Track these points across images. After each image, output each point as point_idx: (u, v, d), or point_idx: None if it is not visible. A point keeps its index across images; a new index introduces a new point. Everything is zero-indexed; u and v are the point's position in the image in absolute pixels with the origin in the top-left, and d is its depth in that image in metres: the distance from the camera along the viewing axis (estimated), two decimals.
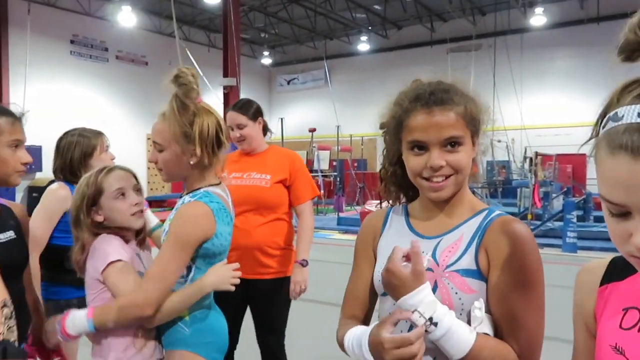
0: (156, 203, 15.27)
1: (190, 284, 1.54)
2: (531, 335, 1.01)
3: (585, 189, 13.52)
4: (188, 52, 10.72)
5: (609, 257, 0.88)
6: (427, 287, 0.97)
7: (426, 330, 0.95)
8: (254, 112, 2.67)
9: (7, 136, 1.52)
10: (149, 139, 18.68)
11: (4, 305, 1.20)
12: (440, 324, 0.95)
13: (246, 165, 2.66)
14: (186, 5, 17.38)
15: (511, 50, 16.90)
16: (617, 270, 0.84)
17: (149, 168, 18.57)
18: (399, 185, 1.25)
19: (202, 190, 1.56)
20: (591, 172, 16.98)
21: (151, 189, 18.40)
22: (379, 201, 1.32)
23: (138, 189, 1.66)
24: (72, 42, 16.15)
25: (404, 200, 1.26)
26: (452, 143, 1.05)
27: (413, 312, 0.96)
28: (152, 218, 1.86)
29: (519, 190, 11.65)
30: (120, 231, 1.60)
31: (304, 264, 2.57)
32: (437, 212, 1.15)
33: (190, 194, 1.57)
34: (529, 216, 9.37)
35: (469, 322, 1.01)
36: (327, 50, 21.64)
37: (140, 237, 1.70)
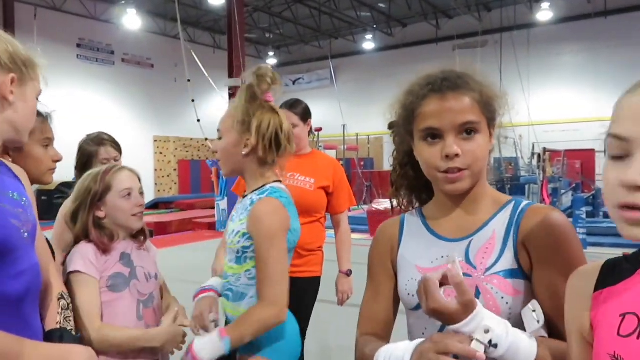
0: (164, 205, 15.34)
1: (143, 330, 1.56)
2: None
3: (595, 185, 13.43)
4: (193, 53, 10.75)
5: (601, 260, 0.84)
6: (480, 311, 0.86)
7: (485, 351, 0.86)
8: (304, 112, 2.66)
9: (39, 135, 1.56)
10: (155, 140, 18.78)
11: (61, 297, 1.25)
12: (501, 344, 0.86)
13: (290, 165, 2.68)
14: (191, 7, 17.42)
15: (518, 46, 16.79)
16: (612, 274, 0.80)
17: (155, 170, 18.68)
18: (411, 187, 1.18)
19: (267, 186, 1.55)
20: (600, 167, 16.87)
21: (158, 191, 18.49)
22: (387, 199, 1.24)
23: (141, 192, 1.67)
24: (78, 45, 16.26)
25: (417, 205, 1.19)
26: (468, 130, 0.98)
27: (471, 340, 0.86)
28: None
29: (527, 186, 11.57)
30: (113, 231, 1.60)
31: (348, 274, 2.69)
32: (457, 210, 1.06)
33: (257, 192, 1.55)
34: None
35: (521, 325, 0.93)
36: (332, 49, 21.62)
37: (141, 237, 1.70)
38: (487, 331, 0.85)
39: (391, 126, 1.19)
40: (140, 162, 15.70)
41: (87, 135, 2.43)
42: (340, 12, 18.20)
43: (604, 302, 0.78)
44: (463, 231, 1.05)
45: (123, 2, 16.55)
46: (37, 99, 1.17)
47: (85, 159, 2.32)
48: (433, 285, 0.87)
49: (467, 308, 0.85)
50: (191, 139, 19.34)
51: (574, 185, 11.58)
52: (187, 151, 19.74)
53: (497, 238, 1.00)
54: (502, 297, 0.95)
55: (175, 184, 19.41)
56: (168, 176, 19.19)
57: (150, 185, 17.81)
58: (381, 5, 18.50)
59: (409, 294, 1.03)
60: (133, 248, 1.65)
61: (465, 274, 0.94)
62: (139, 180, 1.69)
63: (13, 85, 1.07)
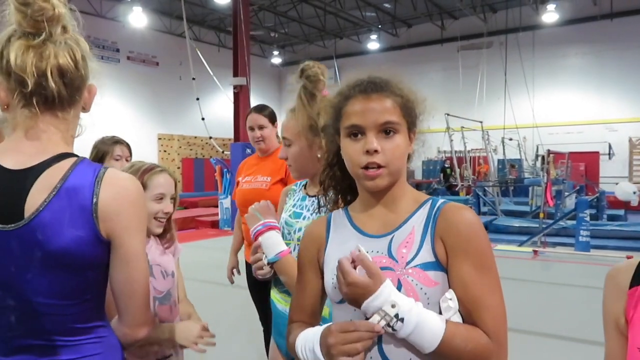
0: None
1: (166, 325, 1.56)
2: (497, 316, 1.01)
3: (599, 187, 13.39)
4: (198, 52, 10.77)
5: (637, 259, 0.88)
6: (388, 284, 0.98)
7: (394, 329, 0.95)
8: (271, 115, 2.86)
9: None
10: (160, 138, 18.82)
11: None
12: (408, 319, 0.95)
13: (257, 169, 2.82)
14: (196, 6, 17.46)
15: (523, 47, 16.76)
16: None
17: None
18: (338, 188, 1.25)
19: None
20: (604, 170, 16.83)
21: None
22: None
23: (173, 198, 1.68)
24: None
25: (342, 205, 1.26)
26: (387, 130, 1.07)
27: (378, 312, 0.97)
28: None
29: (530, 188, 11.54)
30: None
31: None
32: (380, 207, 1.14)
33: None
34: (541, 215, 9.29)
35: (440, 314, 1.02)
36: (337, 49, 21.63)
37: (166, 236, 1.72)
38: (393, 305, 0.95)
39: (323, 129, 1.26)
40: (144, 160, 15.64)
41: (102, 137, 2.60)
42: (345, 12, 18.20)
43: (639, 298, 0.83)
44: (385, 227, 1.11)
45: (129, 0, 16.60)
46: None
47: (100, 156, 2.49)
48: (346, 263, 0.99)
49: (376, 280, 0.96)
50: (195, 137, 19.38)
51: (577, 187, 11.54)
52: (191, 149, 19.79)
53: (416, 233, 1.08)
54: (422, 288, 1.02)
55: (179, 181, 19.44)
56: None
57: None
58: (386, 5, 18.49)
59: (335, 288, 1.09)
60: (153, 246, 1.65)
61: (387, 268, 1.04)
62: (175, 186, 1.70)
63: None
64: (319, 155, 1.54)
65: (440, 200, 1.12)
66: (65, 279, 1.02)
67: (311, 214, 1.57)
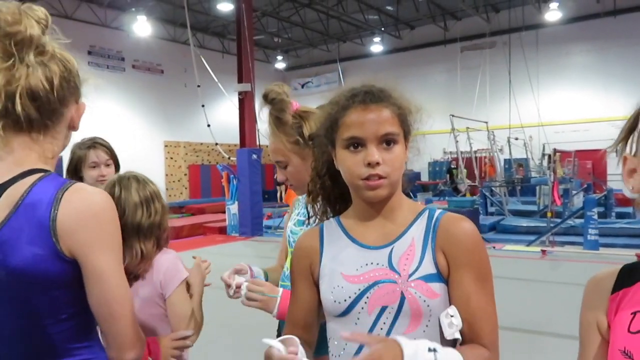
0: (174, 209, 15.42)
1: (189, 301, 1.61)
2: (494, 326, 1.03)
3: (606, 185, 13.31)
4: (203, 59, 10.83)
5: (619, 266, 0.89)
6: (405, 344, 0.87)
7: None
8: None
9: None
10: (166, 146, 18.91)
11: None
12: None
13: None
14: (200, 13, 17.56)
15: (526, 46, 16.73)
16: (628, 276, 0.86)
17: (166, 174, 18.80)
18: (327, 198, 1.23)
19: None
20: (612, 167, 16.73)
21: (169, 195, 18.60)
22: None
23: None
24: (89, 52, 16.44)
25: (330, 215, 1.24)
26: (388, 141, 1.05)
27: None
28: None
29: (537, 187, 11.49)
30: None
31: None
32: (377, 218, 1.12)
33: None
34: (549, 214, 9.24)
35: (439, 327, 1.02)
36: (340, 52, 21.67)
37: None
38: (431, 349, 0.89)
39: (311, 138, 1.23)
40: (151, 167, 15.85)
41: (82, 139, 2.27)
42: (348, 16, 18.24)
43: (619, 302, 0.84)
44: (384, 239, 1.09)
45: (133, 9, 16.73)
46: None
47: (74, 163, 2.20)
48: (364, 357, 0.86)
49: (392, 344, 0.86)
50: (201, 144, 19.46)
51: (585, 185, 11.46)
52: (197, 156, 19.86)
53: (416, 245, 1.07)
54: (425, 301, 1.02)
55: (186, 188, 19.52)
56: (179, 181, 19.31)
57: (161, 190, 17.87)
58: (389, 8, 18.52)
59: (335, 301, 1.07)
60: None
61: (389, 280, 1.03)
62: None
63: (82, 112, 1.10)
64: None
65: (438, 211, 1.12)
66: (33, 298, 0.98)
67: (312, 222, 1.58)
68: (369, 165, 1.04)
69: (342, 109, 1.09)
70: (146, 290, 1.55)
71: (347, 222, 1.16)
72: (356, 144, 1.06)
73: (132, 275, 1.52)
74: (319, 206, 1.26)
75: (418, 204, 1.17)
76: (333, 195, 1.23)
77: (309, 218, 1.30)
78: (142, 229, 1.54)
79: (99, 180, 2.14)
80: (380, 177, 1.04)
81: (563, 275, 6.66)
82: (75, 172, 2.18)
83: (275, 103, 1.55)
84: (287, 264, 1.65)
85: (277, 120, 1.56)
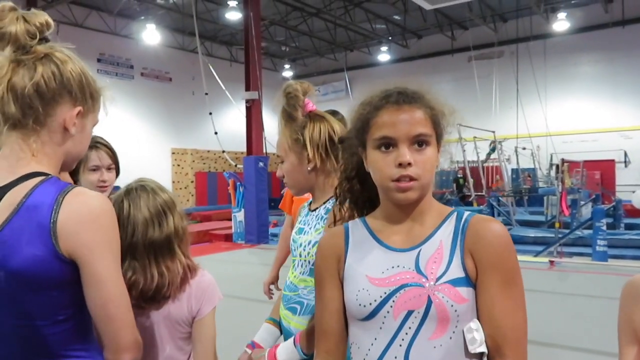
0: None
1: None
2: (520, 336, 0.99)
3: (615, 196, 13.20)
4: (211, 67, 10.91)
5: (627, 277, 0.88)
6: None
7: None
8: (341, 121, 2.88)
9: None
10: (173, 153, 18.99)
11: None
12: None
13: None
14: (208, 22, 17.70)
15: (534, 56, 16.69)
16: None
17: (173, 181, 18.87)
18: (355, 202, 1.21)
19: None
20: (620, 178, 16.60)
21: None
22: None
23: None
24: (99, 60, 16.59)
25: (356, 217, 1.22)
26: (420, 142, 1.03)
27: None
28: None
29: (545, 198, 11.43)
30: None
31: None
32: (405, 221, 1.09)
33: (330, 201, 1.53)
34: (557, 224, 9.17)
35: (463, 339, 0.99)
36: (348, 61, 21.74)
37: None
38: None
39: (341, 141, 1.23)
40: (158, 174, 15.88)
41: None
42: (356, 25, 18.31)
43: None
44: (411, 241, 1.07)
45: (142, 17, 16.89)
46: (92, 129, 1.18)
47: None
48: None
49: None
50: (208, 151, 19.52)
51: (593, 196, 11.38)
52: (204, 163, 19.92)
53: (444, 248, 1.04)
54: (452, 305, 0.99)
55: (193, 195, 19.57)
56: (185, 188, 19.36)
57: None
58: (396, 17, 18.57)
59: (360, 305, 1.04)
60: None
61: (416, 284, 1.00)
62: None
63: (77, 117, 1.10)
64: (308, 168, 1.55)
65: (467, 213, 1.09)
66: (31, 299, 0.99)
67: (310, 229, 1.57)
68: (400, 165, 1.01)
69: (374, 109, 1.07)
70: (176, 309, 1.45)
71: (374, 223, 1.13)
72: (387, 144, 1.04)
73: (160, 296, 1.42)
74: (345, 209, 1.24)
75: (446, 207, 1.14)
76: (361, 199, 1.21)
77: (335, 222, 1.27)
78: (156, 244, 1.42)
79: (99, 185, 2.03)
80: (412, 179, 1.02)
81: (571, 286, 6.60)
82: (75, 172, 2.03)
83: (289, 98, 1.57)
84: (289, 274, 1.64)
85: (286, 115, 1.59)
